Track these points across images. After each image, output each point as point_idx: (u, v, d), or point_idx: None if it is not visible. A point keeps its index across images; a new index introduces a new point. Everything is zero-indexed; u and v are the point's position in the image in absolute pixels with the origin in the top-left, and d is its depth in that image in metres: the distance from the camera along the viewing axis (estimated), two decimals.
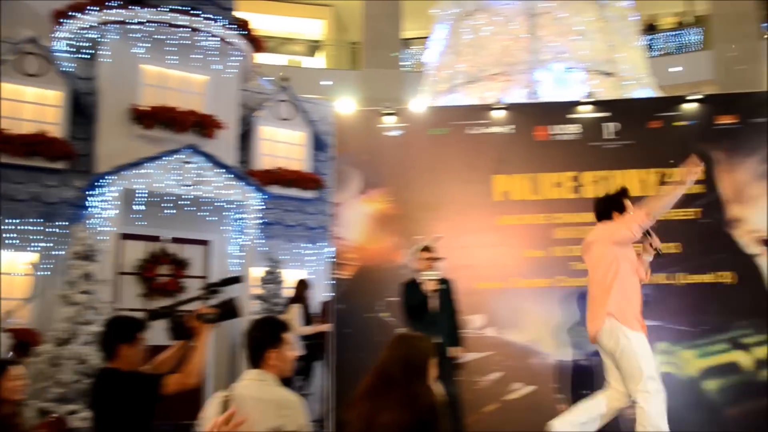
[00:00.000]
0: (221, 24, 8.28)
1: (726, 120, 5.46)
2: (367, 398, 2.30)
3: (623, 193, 4.34)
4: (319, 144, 9.44)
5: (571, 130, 5.54)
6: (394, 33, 15.91)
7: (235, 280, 3.27)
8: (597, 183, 5.40)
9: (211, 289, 3.23)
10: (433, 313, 4.65)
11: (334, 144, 5.82)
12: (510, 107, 5.71)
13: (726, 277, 5.25)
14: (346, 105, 5.91)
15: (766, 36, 15.21)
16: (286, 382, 2.66)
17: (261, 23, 13.67)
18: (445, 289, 4.77)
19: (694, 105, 5.48)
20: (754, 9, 14.31)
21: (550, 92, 6.23)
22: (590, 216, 5.21)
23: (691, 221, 5.28)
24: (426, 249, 4.91)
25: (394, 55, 15.58)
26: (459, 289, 4.92)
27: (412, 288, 4.80)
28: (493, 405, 5.02)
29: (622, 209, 4.23)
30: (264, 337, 2.56)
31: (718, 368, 5.11)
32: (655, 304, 5.20)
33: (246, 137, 8.99)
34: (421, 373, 2.30)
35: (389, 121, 5.73)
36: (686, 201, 5.25)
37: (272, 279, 6.88)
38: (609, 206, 4.34)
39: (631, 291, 4.04)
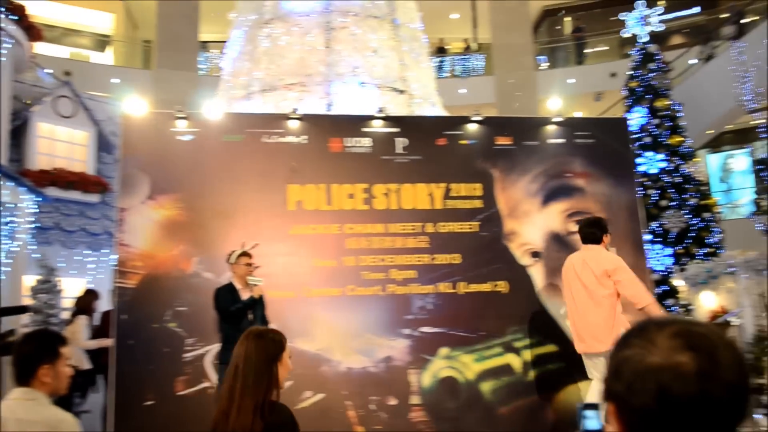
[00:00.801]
0: None
1: (503, 141, 6.52)
2: (227, 398, 2.41)
3: (602, 219, 5.39)
4: (104, 145, 9.43)
5: (364, 144, 6.25)
6: (190, 34, 16.12)
7: (20, 309, 3.27)
8: (387, 195, 6.15)
9: None
10: (251, 320, 5.28)
11: (121, 146, 5.97)
12: (306, 118, 6.36)
13: (502, 286, 6.21)
14: (135, 105, 6.14)
15: (540, 67, 18.00)
16: (64, 400, 2.60)
17: (42, 10, 13.14)
18: (261, 295, 5.44)
19: (476, 126, 6.50)
20: (531, 42, 16.91)
21: (345, 105, 6.98)
22: (381, 227, 6.09)
23: (470, 234, 6.25)
24: (246, 255, 5.45)
25: (189, 57, 15.73)
26: None
27: (230, 293, 5.34)
28: None
29: (607, 233, 5.22)
30: (36, 351, 2.51)
31: (493, 371, 6.05)
32: (438, 312, 6.06)
33: (19, 133, 8.72)
34: (272, 367, 2.43)
35: (182, 125, 6.06)
36: (466, 215, 6.25)
37: (46, 288, 6.81)
38: (602, 230, 5.15)
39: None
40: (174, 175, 6.03)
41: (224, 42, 9.36)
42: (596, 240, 5.14)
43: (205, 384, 5.60)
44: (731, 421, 1.01)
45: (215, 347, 5.63)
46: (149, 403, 5.49)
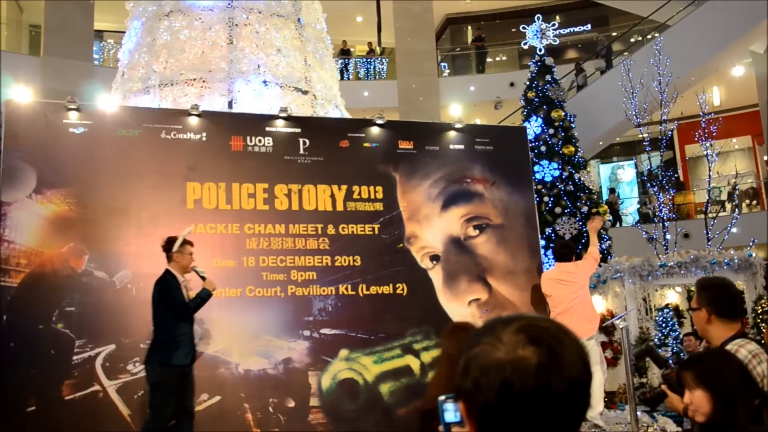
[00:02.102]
0: None
1: (405, 145, 6.66)
2: (444, 385, 2.53)
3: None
4: None
5: (266, 143, 6.25)
6: (83, 22, 15.48)
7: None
8: (289, 196, 6.19)
9: None
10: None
11: (4, 136, 5.71)
12: (206, 115, 6.28)
13: (402, 288, 6.34)
14: (20, 93, 5.87)
15: (442, 74, 18.60)
16: None
17: None
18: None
19: (379, 129, 6.63)
20: (434, 49, 17.47)
21: (247, 104, 6.94)
22: (281, 228, 6.08)
23: (371, 237, 6.36)
24: (189, 243, 5.26)
25: (82, 45, 15.12)
26: (147, 299, 5.23)
27: (176, 285, 5.11)
28: None
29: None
30: None
31: (392, 372, 6.18)
32: (338, 314, 6.13)
33: None
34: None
35: (73, 116, 5.86)
36: (367, 218, 6.36)
37: None
38: (572, 253, 6.74)
39: None
40: (64, 168, 5.82)
41: (120, 32, 9.08)
42: (569, 259, 6.57)
43: (95, 388, 5.42)
44: (572, 416, 1.05)
45: (108, 348, 5.47)
46: (31, 408, 5.26)
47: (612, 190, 18.41)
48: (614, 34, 19.90)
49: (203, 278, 5.23)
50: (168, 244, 5.21)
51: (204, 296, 5.15)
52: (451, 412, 1.49)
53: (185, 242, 5.23)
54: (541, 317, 1.12)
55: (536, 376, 1.02)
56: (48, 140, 5.87)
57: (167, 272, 5.15)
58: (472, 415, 1.08)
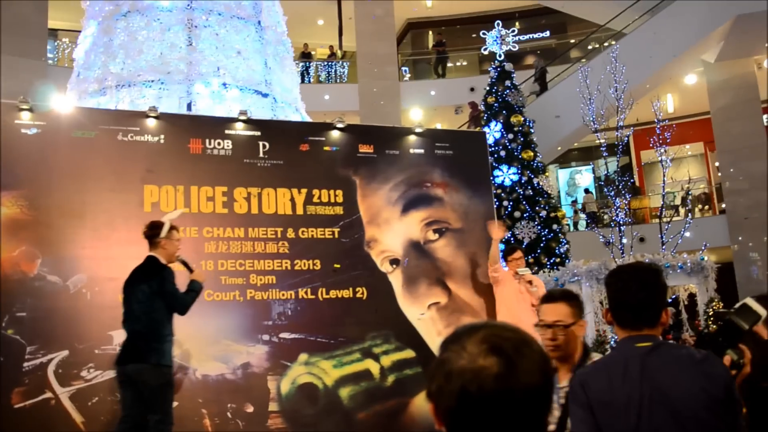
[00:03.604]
0: None
1: (366, 149, 6.68)
2: None
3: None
4: None
5: (225, 146, 6.21)
6: (37, 19, 15.16)
7: None
8: (248, 199, 6.16)
9: None
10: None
11: None
12: (164, 116, 6.21)
13: (362, 292, 6.35)
14: None
15: (403, 78, 18.75)
16: None
17: None
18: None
19: (339, 132, 6.63)
20: (395, 53, 17.60)
21: (206, 106, 6.88)
22: (241, 231, 6.03)
23: (331, 240, 6.35)
24: (176, 229, 4.91)
25: (36, 43, 14.81)
26: (103, 303, 5.12)
27: (170, 274, 4.74)
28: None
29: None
30: None
31: (352, 376, 6.19)
32: (298, 318, 6.12)
33: None
34: None
35: (26, 116, 5.74)
36: (327, 221, 6.37)
37: None
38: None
39: None
40: (16, 170, 5.67)
41: (76, 31, 8.92)
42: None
43: (47, 395, 5.30)
44: (531, 423, 1.10)
45: (61, 355, 5.36)
46: None
47: (586, 191, 18.73)
48: (572, 41, 20.24)
49: (190, 270, 4.88)
50: (152, 230, 4.79)
51: (197, 290, 4.82)
52: None
53: (172, 227, 4.83)
54: (507, 326, 1.17)
55: (494, 385, 1.07)
56: None
57: (155, 260, 4.73)
58: (438, 416, 1.14)
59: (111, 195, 5.89)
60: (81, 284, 5.61)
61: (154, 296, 4.64)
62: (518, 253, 6.54)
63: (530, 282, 6.27)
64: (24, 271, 5.50)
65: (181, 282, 4.87)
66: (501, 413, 1.08)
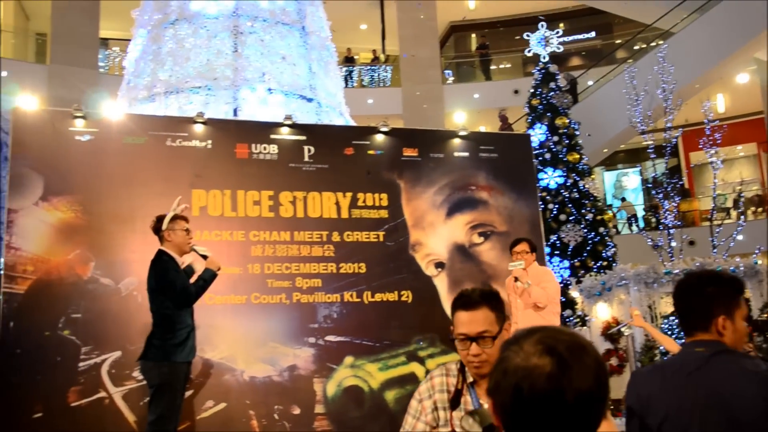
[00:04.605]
0: None
1: (410, 153, 6.70)
2: None
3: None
4: None
5: (271, 151, 6.29)
6: (89, 30, 15.60)
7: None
8: (294, 203, 6.23)
9: None
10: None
11: (12, 143, 5.76)
12: (211, 122, 6.32)
13: (407, 295, 6.36)
14: (27, 101, 5.91)
15: (446, 81, 18.68)
16: None
17: None
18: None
19: (384, 136, 6.66)
20: (438, 56, 17.56)
21: (252, 111, 6.99)
22: (287, 235, 6.12)
23: (376, 243, 6.38)
24: (182, 218, 4.79)
25: (88, 53, 15.25)
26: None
27: (174, 266, 4.61)
28: (185, 423, 5.45)
29: None
30: None
31: (397, 379, 6.19)
32: (343, 321, 6.16)
33: None
34: None
35: (80, 124, 5.91)
36: (372, 225, 6.39)
37: None
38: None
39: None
40: (70, 176, 5.85)
41: (126, 39, 9.15)
42: None
43: (101, 394, 5.44)
44: (582, 426, 1.13)
45: (114, 355, 5.50)
46: (38, 415, 5.29)
47: (623, 199, 18.48)
48: (618, 41, 19.95)
49: (204, 257, 4.74)
50: (157, 223, 4.69)
51: (207, 278, 4.64)
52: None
53: (177, 217, 4.69)
54: (565, 331, 1.21)
55: (546, 384, 1.11)
56: (54, 148, 5.91)
57: (162, 253, 4.61)
58: (496, 412, 1.19)
59: (160, 200, 5.97)
60: (132, 287, 5.74)
61: (154, 291, 4.55)
62: (521, 246, 5.86)
63: (516, 279, 5.62)
64: (78, 274, 5.65)
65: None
66: (552, 413, 1.10)
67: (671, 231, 10.48)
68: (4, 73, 14.34)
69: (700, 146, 11.35)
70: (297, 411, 5.90)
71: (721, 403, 1.95)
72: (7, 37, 17.87)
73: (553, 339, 1.17)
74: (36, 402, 5.33)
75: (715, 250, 10.15)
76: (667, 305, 8.57)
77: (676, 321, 8.15)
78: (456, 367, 2.25)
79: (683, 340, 2.19)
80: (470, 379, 2.17)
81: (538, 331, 1.20)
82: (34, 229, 5.66)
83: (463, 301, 2.18)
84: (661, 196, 10.84)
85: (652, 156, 11.22)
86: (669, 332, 7.95)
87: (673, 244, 10.35)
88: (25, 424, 5.25)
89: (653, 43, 16.26)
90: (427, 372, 6.62)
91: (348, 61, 18.93)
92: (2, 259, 5.59)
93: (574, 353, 1.14)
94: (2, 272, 5.53)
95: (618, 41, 19.99)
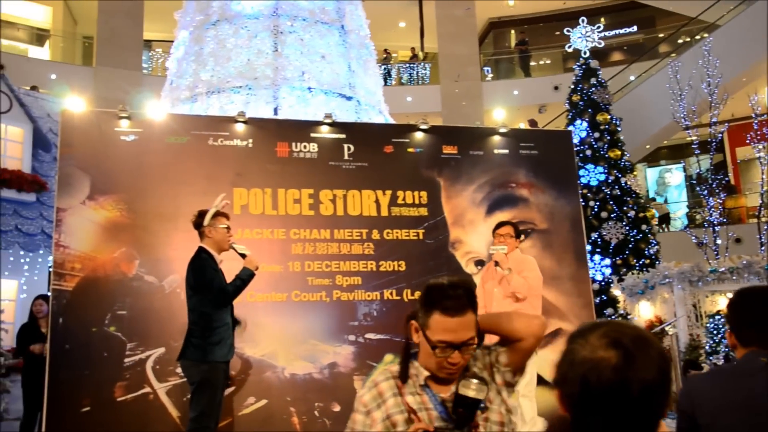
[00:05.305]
0: None
1: (450, 150, 6.65)
2: None
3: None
4: (41, 142, 9.23)
5: (311, 149, 6.30)
6: (133, 32, 15.92)
7: None
8: (334, 201, 6.24)
9: None
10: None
11: (60, 144, 5.88)
12: (252, 121, 6.36)
13: None
14: (75, 103, 6.04)
15: (485, 78, 18.54)
16: None
17: None
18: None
19: (423, 134, 6.63)
20: (476, 53, 17.40)
21: (292, 110, 7.03)
22: (327, 233, 6.11)
23: (416, 241, 6.35)
24: (223, 215, 4.79)
25: (132, 55, 15.57)
26: None
27: (213, 265, 4.60)
28: (225, 420, 5.49)
29: None
30: None
31: None
32: (383, 319, 6.15)
33: None
34: None
35: (124, 124, 6.00)
36: (412, 223, 6.37)
37: None
38: None
39: None
40: (115, 175, 5.95)
41: (168, 41, 9.29)
42: None
43: (146, 390, 5.53)
44: (646, 415, 1.18)
45: (158, 351, 5.58)
46: (86, 409, 5.40)
47: (652, 199, 18.13)
48: (661, 35, 19.57)
49: (243, 256, 4.73)
50: (199, 218, 4.70)
51: (245, 277, 4.63)
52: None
53: (218, 214, 4.70)
54: (628, 324, 1.28)
55: (612, 375, 1.16)
56: (100, 148, 6.00)
57: (201, 250, 4.62)
58: (562, 402, 1.25)
59: (202, 198, 6.03)
60: (175, 284, 5.82)
61: (193, 289, 4.57)
62: (505, 229, 5.40)
63: (497, 264, 5.23)
64: (124, 272, 5.75)
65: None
66: (618, 403, 1.16)
67: (716, 228, 10.24)
68: (53, 76, 14.71)
69: (747, 141, 11.09)
70: (337, 408, 5.91)
71: None
72: (57, 41, 18.35)
73: (618, 332, 1.21)
74: (84, 396, 5.44)
75: (762, 248, 9.89)
76: (712, 304, 8.39)
77: (722, 320, 7.97)
78: (398, 369, 2.08)
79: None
80: (421, 382, 2.01)
81: (604, 325, 1.25)
82: (82, 227, 5.76)
83: (448, 305, 1.91)
84: (706, 192, 10.61)
85: (697, 152, 10.99)
86: (714, 332, 7.78)
87: (719, 241, 10.13)
88: (75, 417, 5.36)
89: (698, 36, 15.91)
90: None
91: (386, 59, 18.93)
92: (52, 257, 5.71)
93: (638, 346, 1.19)
94: (52, 270, 5.65)
95: (661, 35, 19.60)
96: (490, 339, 2.06)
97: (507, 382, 2.04)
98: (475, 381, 1.88)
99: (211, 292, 4.55)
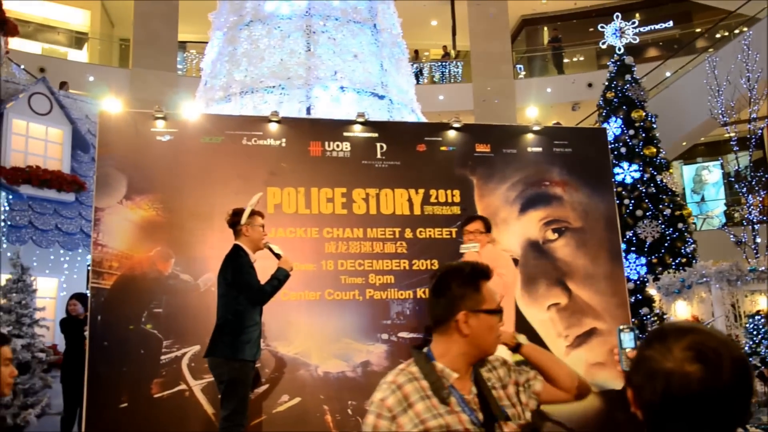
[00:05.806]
0: None
1: (482, 149, 6.60)
2: None
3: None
4: (80, 143, 9.41)
5: (344, 148, 6.31)
6: (168, 34, 16.16)
7: None
8: (367, 200, 6.24)
9: None
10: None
11: (98, 144, 5.96)
12: (285, 121, 6.40)
13: None
14: (112, 104, 6.12)
15: (518, 76, 18.38)
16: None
17: (16, 4, 13.12)
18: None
19: (456, 132, 6.59)
20: (509, 51, 17.26)
21: (324, 109, 7.05)
22: (360, 231, 6.12)
23: (449, 240, 6.33)
24: (259, 214, 4.80)
25: (167, 56, 15.80)
26: None
27: (251, 264, 4.60)
28: (259, 418, 5.53)
29: None
30: None
31: None
32: (416, 318, 6.13)
33: None
34: None
35: (160, 125, 6.06)
36: (445, 221, 6.35)
37: (19, 288, 6.77)
38: None
39: None
40: (151, 175, 6.02)
41: (203, 42, 9.40)
42: None
43: (182, 387, 5.60)
44: (729, 423, 1.19)
45: (193, 349, 5.64)
46: (123, 405, 5.48)
47: None
48: (698, 30, 19.21)
49: (278, 256, 4.73)
50: (234, 217, 4.72)
51: (281, 278, 4.63)
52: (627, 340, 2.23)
53: (254, 213, 4.72)
54: (710, 332, 1.26)
55: (697, 387, 1.17)
56: (137, 148, 6.08)
57: (238, 248, 4.64)
58: (637, 404, 1.26)
59: (236, 198, 6.08)
60: (210, 283, 5.86)
61: (231, 287, 4.56)
62: (474, 225, 5.20)
63: None
64: (159, 270, 5.82)
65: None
66: (701, 411, 1.17)
67: (756, 226, 10.03)
68: (91, 78, 14.98)
69: None
70: None
71: None
72: (94, 44, 18.69)
73: (702, 344, 1.21)
74: (122, 392, 5.52)
75: None
76: (751, 304, 8.22)
77: (762, 320, 7.80)
78: (418, 370, 2.03)
79: None
80: (450, 382, 1.98)
81: (686, 333, 1.23)
82: (119, 226, 5.85)
83: (483, 270, 1.99)
84: (744, 190, 10.39)
85: (735, 149, 10.77)
86: (754, 333, 7.61)
87: (758, 240, 9.91)
88: (113, 413, 5.45)
89: (736, 31, 15.58)
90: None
91: (418, 57, 18.89)
92: (90, 256, 5.81)
93: (723, 356, 1.19)
94: (90, 268, 5.75)
95: (698, 30, 19.25)
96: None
97: (531, 407, 2.08)
98: None
99: (250, 290, 4.57)
